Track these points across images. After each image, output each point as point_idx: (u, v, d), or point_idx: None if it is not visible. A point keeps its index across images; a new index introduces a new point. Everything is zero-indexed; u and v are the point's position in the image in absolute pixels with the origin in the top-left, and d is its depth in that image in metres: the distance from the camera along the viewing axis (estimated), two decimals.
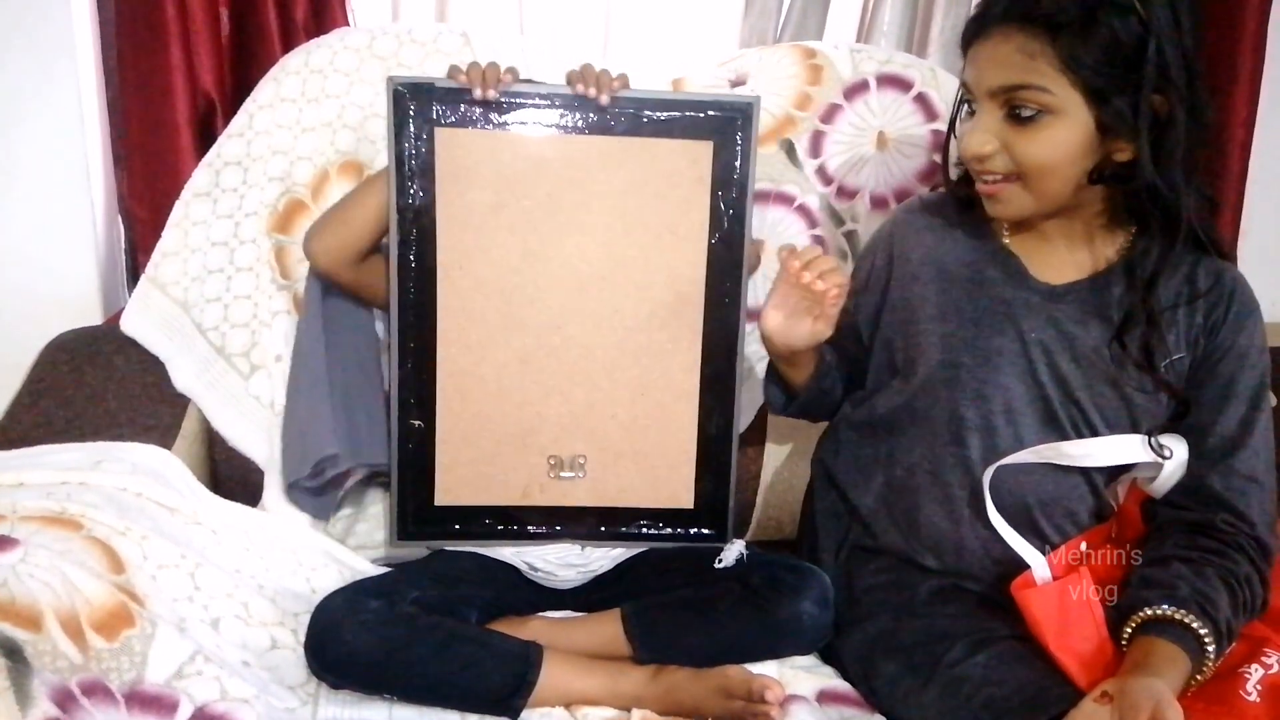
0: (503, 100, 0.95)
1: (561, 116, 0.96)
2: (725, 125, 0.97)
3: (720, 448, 1.04)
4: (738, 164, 0.98)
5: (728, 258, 1.00)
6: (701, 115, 0.97)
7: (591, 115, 0.96)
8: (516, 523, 1.03)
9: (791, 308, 0.96)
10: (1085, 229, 0.96)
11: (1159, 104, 0.87)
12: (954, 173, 1.04)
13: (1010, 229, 1.00)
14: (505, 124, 0.96)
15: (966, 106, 0.95)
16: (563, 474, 1.02)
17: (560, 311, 1.00)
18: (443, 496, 1.02)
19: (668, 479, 1.04)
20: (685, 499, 1.04)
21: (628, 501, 1.04)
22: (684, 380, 1.02)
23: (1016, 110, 0.89)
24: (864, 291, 1.08)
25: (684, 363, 1.02)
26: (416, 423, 1.01)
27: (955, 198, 1.03)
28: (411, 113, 0.95)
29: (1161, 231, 0.91)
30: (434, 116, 0.95)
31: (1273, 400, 1.25)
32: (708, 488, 1.05)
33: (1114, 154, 0.90)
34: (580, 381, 1.01)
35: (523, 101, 0.95)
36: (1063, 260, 0.98)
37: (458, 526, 1.03)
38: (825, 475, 1.10)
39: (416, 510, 1.02)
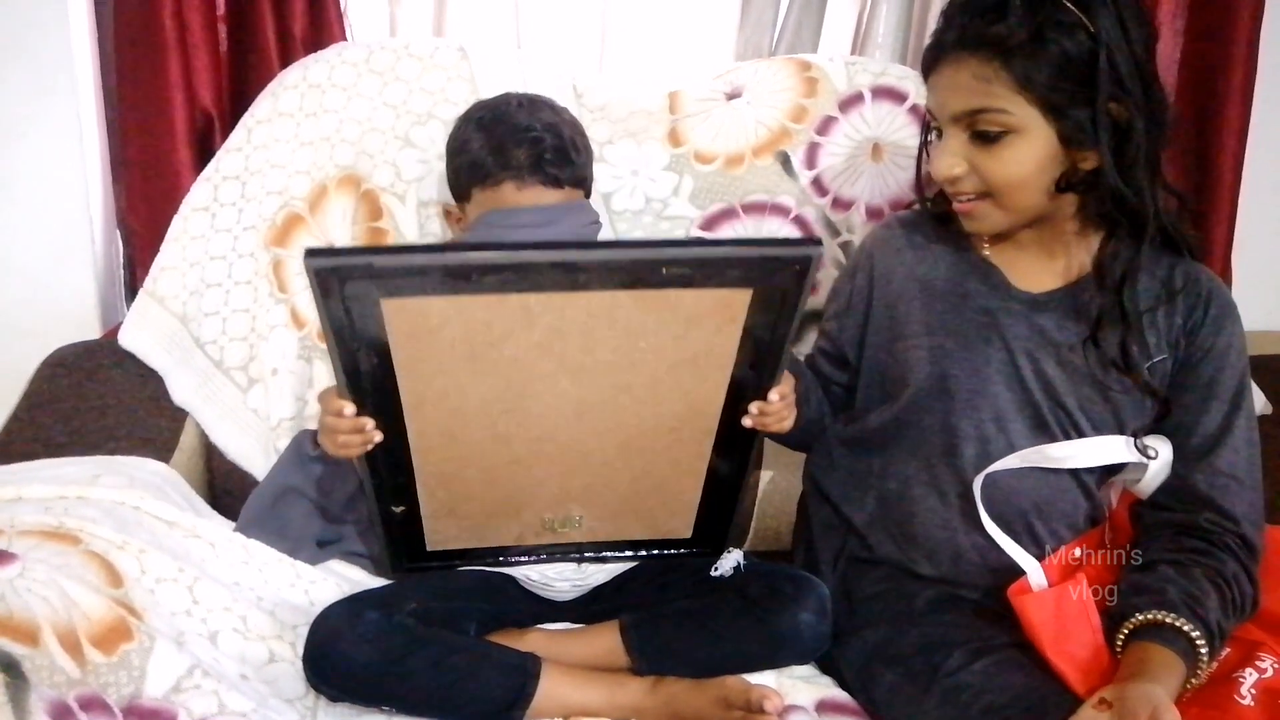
0: (466, 268, 0.74)
1: (549, 278, 0.75)
2: (773, 273, 0.77)
3: (727, 495, 0.98)
4: (781, 310, 0.80)
5: (754, 381, 0.86)
6: (744, 263, 0.77)
7: (591, 276, 0.75)
8: (512, 554, 1.02)
9: None
10: (1060, 237, 0.98)
11: (1117, 112, 0.89)
12: (928, 190, 1.05)
13: (989, 241, 1.01)
14: (472, 289, 0.74)
15: (934, 132, 0.97)
16: (558, 528, 0.98)
17: (554, 428, 0.86)
18: (434, 545, 0.98)
19: (667, 523, 1.01)
20: (684, 533, 1.02)
21: (624, 538, 1.03)
22: (693, 464, 0.93)
23: (980, 132, 0.91)
24: (846, 314, 1.09)
25: (694, 453, 0.92)
26: (397, 509, 0.91)
27: (933, 215, 1.05)
28: (345, 292, 0.73)
29: (1130, 233, 0.93)
30: (375, 291, 0.73)
31: (1267, 406, 1.27)
32: (708, 522, 1.01)
33: (1079, 163, 0.92)
34: (577, 472, 0.91)
35: (493, 266, 0.74)
36: (1041, 268, 1.00)
37: (452, 560, 1.01)
38: (817, 490, 1.10)
39: (410, 553, 0.99)
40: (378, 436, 0.83)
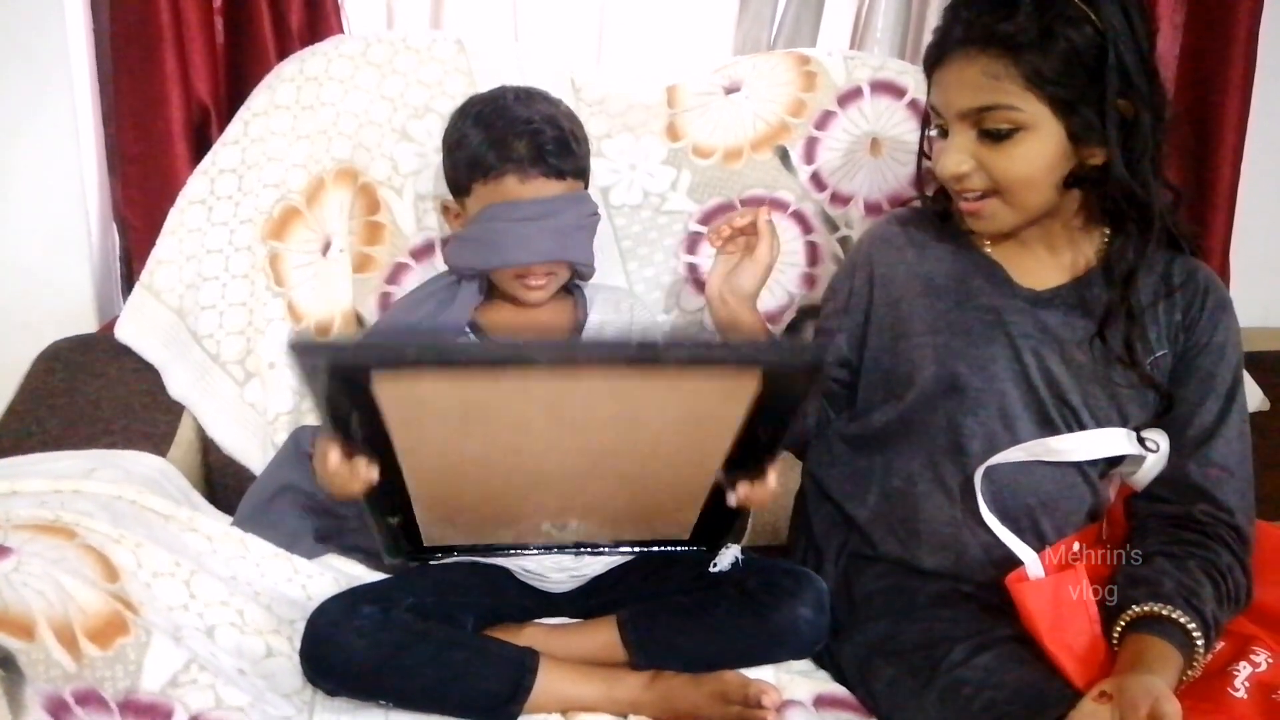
0: (457, 353, 0.72)
1: (547, 359, 0.72)
2: (783, 369, 0.75)
3: (727, 512, 0.93)
4: (790, 394, 0.76)
5: (756, 449, 0.82)
6: (753, 362, 0.75)
7: (590, 358, 0.73)
8: (510, 549, 1.01)
9: (727, 266, 1.04)
10: (1064, 232, 0.98)
11: (1124, 107, 0.89)
12: (928, 187, 1.05)
13: (991, 239, 1.01)
14: (467, 368, 0.72)
15: (937, 129, 0.96)
16: (556, 534, 0.95)
17: (553, 472, 0.84)
18: (430, 542, 0.95)
19: (664, 528, 0.98)
20: (682, 535, 1.01)
21: (623, 538, 1.02)
22: (693, 497, 0.90)
23: (989, 129, 0.90)
24: (845, 313, 1.08)
25: (694, 491, 0.88)
26: (393, 520, 0.88)
27: (933, 212, 1.04)
28: (330, 372, 0.69)
29: (1137, 229, 0.93)
30: (363, 370, 0.70)
31: (1265, 402, 1.27)
32: (707, 525, 0.99)
33: (1087, 159, 0.92)
34: (576, 497, 0.89)
35: (489, 359, 0.72)
36: (1044, 265, 1.00)
37: (452, 554, 1.00)
38: (818, 488, 1.10)
39: (408, 548, 0.95)
40: (374, 475, 0.81)
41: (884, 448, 1.03)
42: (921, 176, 1.05)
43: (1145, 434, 0.96)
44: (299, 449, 1.12)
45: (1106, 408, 0.96)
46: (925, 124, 1.00)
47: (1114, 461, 0.99)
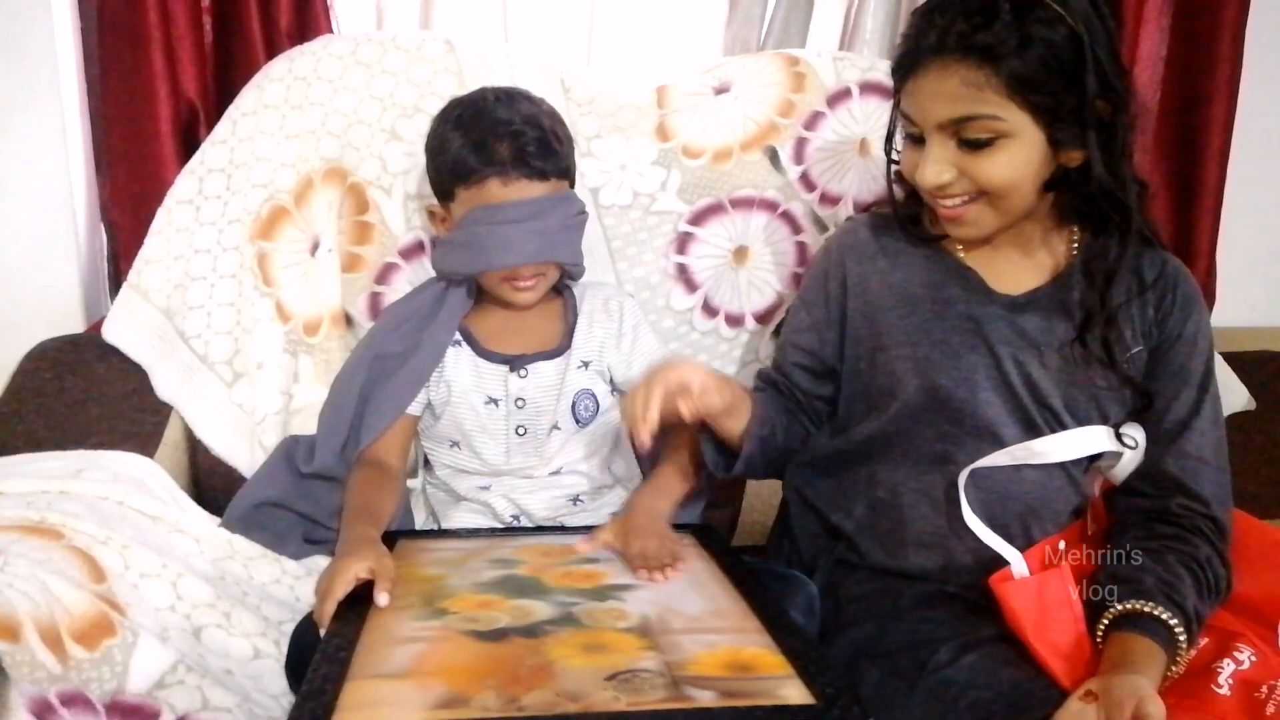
0: None
1: None
2: None
3: None
4: None
5: None
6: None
7: None
8: None
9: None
10: (1037, 234, 0.98)
11: (1102, 109, 0.89)
12: (897, 192, 1.03)
13: (964, 244, 1.00)
14: None
15: (909, 136, 0.95)
16: None
17: None
18: None
19: None
20: None
21: None
22: None
23: (968, 139, 0.89)
24: (826, 325, 1.07)
25: None
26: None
27: (903, 217, 1.03)
28: None
29: (1117, 227, 0.93)
30: None
31: (1251, 401, 1.26)
32: None
33: (1067, 162, 0.92)
34: None
35: None
36: (1018, 268, 0.99)
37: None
38: (801, 500, 1.09)
39: None
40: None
41: (868, 460, 1.02)
42: (891, 182, 1.03)
43: (1123, 430, 0.97)
44: (290, 463, 1.11)
45: (1087, 408, 0.96)
46: (892, 128, 0.98)
47: (1095, 457, 0.99)
